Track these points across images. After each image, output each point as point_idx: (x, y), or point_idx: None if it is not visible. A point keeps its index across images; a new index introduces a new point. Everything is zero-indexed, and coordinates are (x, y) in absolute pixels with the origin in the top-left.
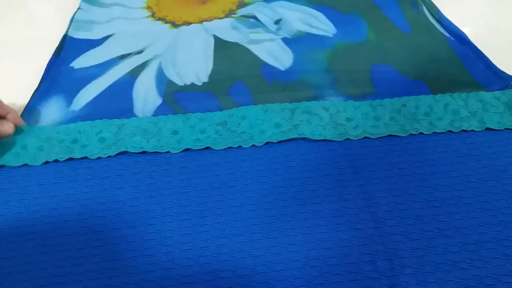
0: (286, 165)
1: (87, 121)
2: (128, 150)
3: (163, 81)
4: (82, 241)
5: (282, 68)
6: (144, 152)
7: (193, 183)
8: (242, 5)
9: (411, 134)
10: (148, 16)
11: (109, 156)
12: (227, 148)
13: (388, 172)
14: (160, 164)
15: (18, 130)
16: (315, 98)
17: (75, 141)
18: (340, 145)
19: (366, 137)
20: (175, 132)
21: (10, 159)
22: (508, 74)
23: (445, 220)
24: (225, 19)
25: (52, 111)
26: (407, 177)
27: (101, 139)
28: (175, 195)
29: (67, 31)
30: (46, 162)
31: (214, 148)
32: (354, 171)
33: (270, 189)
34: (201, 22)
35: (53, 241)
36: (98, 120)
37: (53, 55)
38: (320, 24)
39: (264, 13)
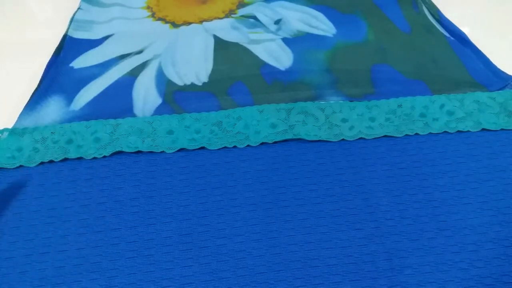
0: (286, 165)
1: (82, 121)
2: (123, 150)
3: (163, 81)
4: (82, 241)
5: (282, 68)
6: (143, 152)
7: (193, 183)
8: (242, 5)
9: (406, 135)
10: (148, 16)
11: (105, 156)
12: (226, 148)
13: (388, 172)
14: (159, 164)
15: (13, 132)
16: (315, 98)
17: (70, 141)
18: (339, 145)
19: (361, 138)
20: (170, 132)
21: (5, 161)
22: (508, 74)
23: (445, 220)
24: (225, 19)
25: (52, 111)
26: (406, 177)
27: (96, 139)
28: (175, 195)
29: (67, 31)
30: (42, 163)
31: (209, 148)
32: (354, 171)
33: (270, 189)
34: (201, 22)
35: (53, 241)
36: (93, 120)
37: (53, 55)
38: (320, 24)
39: (264, 13)
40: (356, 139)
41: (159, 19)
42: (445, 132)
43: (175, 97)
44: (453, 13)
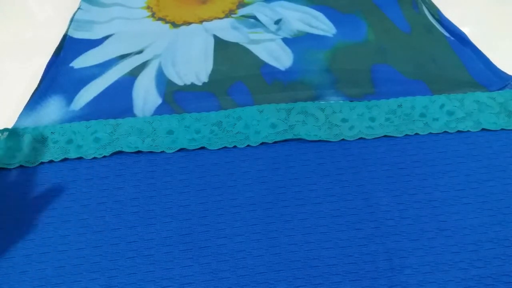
0: (286, 165)
1: (82, 121)
2: (123, 150)
3: (163, 81)
4: (82, 241)
5: (282, 68)
6: (143, 152)
7: (193, 183)
8: (242, 5)
9: (406, 135)
10: (148, 16)
11: (105, 156)
12: (226, 148)
13: (388, 172)
14: (159, 164)
15: (13, 132)
16: (315, 98)
17: (70, 141)
18: (339, 145)
19: (361, 138)
20: (170, 132)
21: (6, 161)
22: (508, 74)
23: (445, 220)
24: (225, 19)
25: (52, 111)
26: (406, 177)
27: (96, 139)
28: (175, 195)
29: (67, 31)
30: (42, 163)
31: (209, 148)
32: (354, 171)
33: (270, 189)
34: (201, 22)
35: (53, 241)
36: (93, 120)
37: (53, 55)
38: (320, 24)
39: (264, 13)
40: (356, 139)
41: (159, 19)
42: (445, 132)
43: (175, 97)
44: (453, 13)
